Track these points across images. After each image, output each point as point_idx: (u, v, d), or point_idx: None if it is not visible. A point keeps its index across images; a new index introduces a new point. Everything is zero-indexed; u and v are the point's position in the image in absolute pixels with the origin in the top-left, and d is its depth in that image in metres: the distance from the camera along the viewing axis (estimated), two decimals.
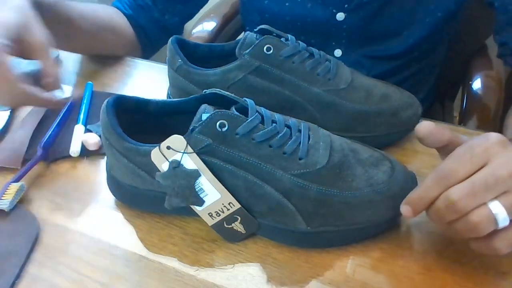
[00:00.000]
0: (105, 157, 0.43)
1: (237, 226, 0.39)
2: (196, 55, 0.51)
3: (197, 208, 0.38)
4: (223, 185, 0.37)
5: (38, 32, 0.47)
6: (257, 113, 0.37)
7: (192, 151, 0.36)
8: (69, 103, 0.53)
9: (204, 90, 0.39)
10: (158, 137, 0.37)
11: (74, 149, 0.49)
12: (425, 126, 0.36)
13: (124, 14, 0.68)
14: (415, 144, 0.50)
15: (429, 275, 0.37)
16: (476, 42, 0.80)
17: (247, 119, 0.36)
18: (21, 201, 0.45)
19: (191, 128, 0.36)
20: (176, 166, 0.36)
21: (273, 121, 0.38)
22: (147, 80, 0.63)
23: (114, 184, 0.43)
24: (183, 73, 0.48)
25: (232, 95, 0.38)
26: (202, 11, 0.77)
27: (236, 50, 0.47)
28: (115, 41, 0.66)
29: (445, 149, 0.36)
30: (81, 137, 0.50)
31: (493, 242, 0.33)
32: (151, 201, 0.41)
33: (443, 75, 0.79)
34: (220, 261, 0.39)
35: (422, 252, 0.39)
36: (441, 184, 0.33)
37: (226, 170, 0.37)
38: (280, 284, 0.37)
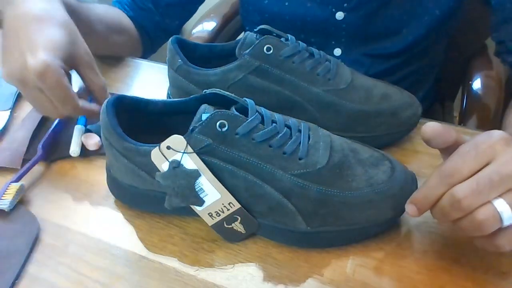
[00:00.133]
0: (105, 157, 0.43)
1: (237, 226, 0.39)
2: (196, 55, 0.51)
3: (197, 208, 0.38)
4: (223, 185, 0.37)
5: (83, 47, 0.48)
6: (257, 113, 0.37)
7: (192, 151, 0.36)
8: None
9: (204, 90, 0.39)
10: (158, 137, 0.37)
11: (74, 149, 0.49)
12: (431, 127, 0.35)
13: (127, 15, 0.68)
14: (415, 144, 0.50)
15: (429, 275, 0.37)
16: (476, 42, 0.80)
17: (247, 119, 0.36)
18: (21, 201, 0.45)
19: (191, 128, 0.36)
20: (176, 166, 0.36)
21: (273, 121, 0.38)
22: (147, 80, 0.63)
23: (114, 184, 0.43)
24: (183, 73, 0.48)
25: (232, 95, 0.38)
26: (202, 11, 0.78)
27: (236, 50, 0.47)
28: (124, 42, 0.67)
29: (447, 149, 0.36)
30: (81, 137, 0.50)
31: (497, 239, 0.32)
32: (151, 201, 0.41)
33: (443, 75, 0.79)
34: (220, 261, 0.39)
35: (422, 252, 0.39)
36: (446, 182, 0.33)
37: (226, 170, 0.37)
38: (280, 284, 0.37)
